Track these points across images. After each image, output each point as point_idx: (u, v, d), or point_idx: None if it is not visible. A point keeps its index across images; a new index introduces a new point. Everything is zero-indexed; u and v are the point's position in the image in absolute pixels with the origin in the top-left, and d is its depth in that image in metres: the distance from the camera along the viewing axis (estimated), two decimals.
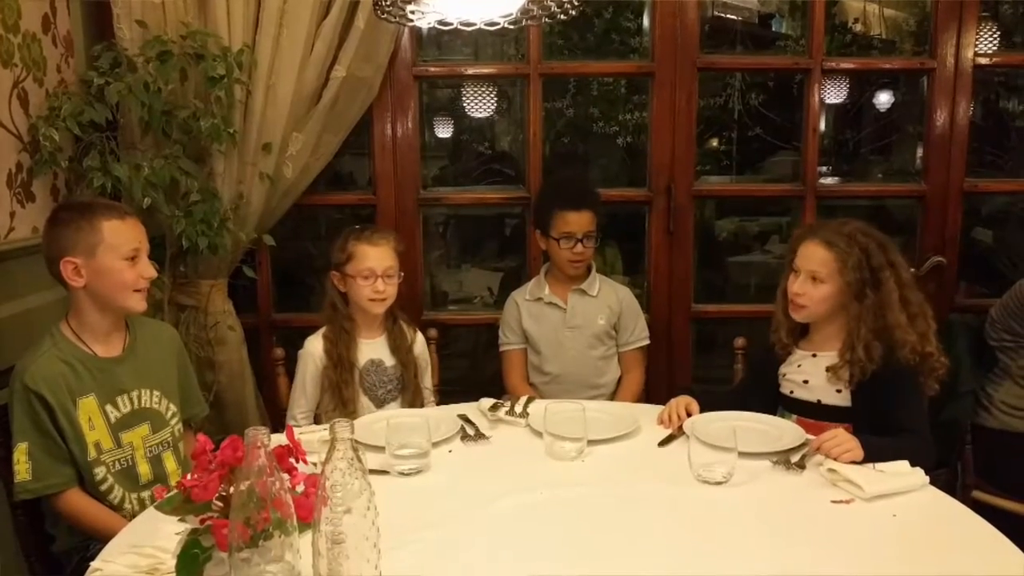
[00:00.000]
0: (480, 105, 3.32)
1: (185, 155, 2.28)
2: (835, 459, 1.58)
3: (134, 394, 1.78)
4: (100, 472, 1.70)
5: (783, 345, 2.02)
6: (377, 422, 1.78)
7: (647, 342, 2.51)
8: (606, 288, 2.48)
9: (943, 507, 1.47)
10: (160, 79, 2.21)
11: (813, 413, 1.92)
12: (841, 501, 1.46)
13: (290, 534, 0.99)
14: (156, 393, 1.82)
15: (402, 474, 1.59)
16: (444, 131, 3.65)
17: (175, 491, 1.08)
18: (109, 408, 1.73)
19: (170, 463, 1.82)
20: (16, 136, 2.09)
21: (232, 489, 1.03)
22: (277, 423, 2.34)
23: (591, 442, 1.70)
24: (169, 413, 1.85)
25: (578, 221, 2.36)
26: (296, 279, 3.16)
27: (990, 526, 1.37)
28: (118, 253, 1.70)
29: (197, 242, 2.24)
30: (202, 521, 1.05)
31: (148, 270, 1.75)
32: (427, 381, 2.32)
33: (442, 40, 3.09)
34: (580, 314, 2.44)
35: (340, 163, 2.71)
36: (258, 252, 2.63)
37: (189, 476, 1.07)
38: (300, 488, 1.07)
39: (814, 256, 1.91)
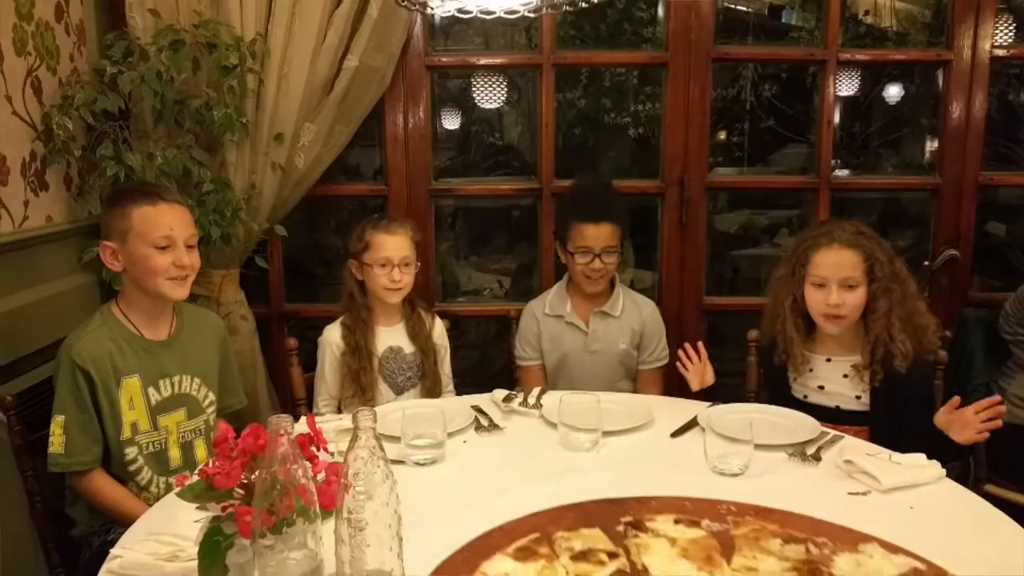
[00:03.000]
0: (491, 96, 3.30)
1: (197, 145, 2.29)
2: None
3: (176, 379, 1.79)
4: (132, 452, 1.72)
5: (802, 360, 1.95)
6: (393, 412, 1.78)
7: (666, 361, 2.39)
8: (630, 306, 2.36)
9: (960, 499, 1.46)
10: (173, 68, 2.21)
11: (831, 418, 1.88)
12: (858, 493, 1.46)
13: (313, 521, 0.99)
14: (197, 380, 1.83)
15: (417, 464, 1.59)
16: (453, 122, 3.64)
17: (197, 478, 1.08)
18: (151, 390, 1.75)
19: (200, 451, 1.83)
20: (30, 125, 2.09)
21: (254, 477, 1.03)
22: (289, 413, 2.34)
23: (605, 433, 1.70)
24: (206, 401, 1.86)
25: (596, 235, 2.23)
26: (307, 269, 3.16)
27: (1007, 518, 1.36)
28: (147, 240, 1.70)
29: (210, 232, 2.24)
30: (223, 508, 1.05)
31: (182, 258, 1.73)
32: (446, 368, 2.31)
33: (452, 30, 3.08)
34: (601, 338, 2.34)
35: (347, 155, 2.70)
36: (270, 242, 2.63)
37: (211, 463, 1.07)
38: (321, 476, 1.07)
39: (845, 262, 1.84)
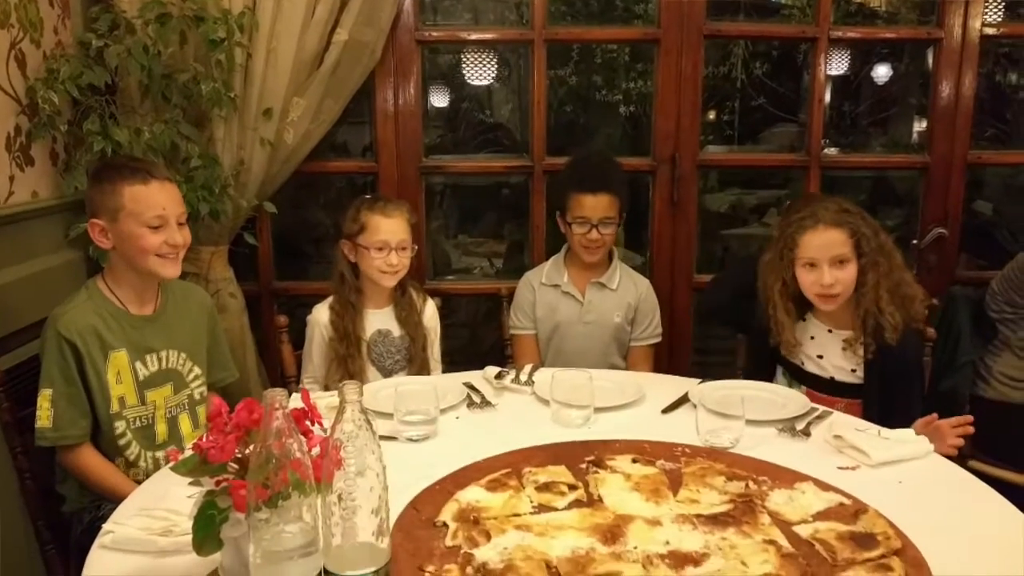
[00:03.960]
0: (481, 73, 3.27)
1: (185, 120, 2.26)
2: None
3: (162, 354, 1.79)
4: (120, 426, 1.72)
5: (795, 343, 1.96)
6: (384, 389, 1.79)
7: (659, 340, 2.42)
8: (626, 280, 2.39)
9: (948, 474, 1.48)
10: (160, 42, 2.17)
11: (825, 388, 1.91)
12: (847, 468, 1.48)
13: (308, 495, 0.99)
14: (182, 355, 1.83)
15: (410, 440, 1.60)
16: (443, 99, 3.61)
17: (191, 452, 1.07)
18: (138, 365, 1.74)
19: (185, 425, 1.83)
20: (14, 98, 2.05)
21: (248, 451, 1.03)
22: None
23: (597, 409, 1.70)
24: (191, 376, 1.85)
25: (594, 205, 2.26)
26: (297, 247, 3.13)
27: (994, 492, 1.39)
28: (139, 220, 1.68)
29: (198, 208, 2.22)
30: (217, 483, 1.05)
31: (174, 237, 1.72)
32: (436, 351, 2.28)
33: (441, 6, 3.04)
34: (596, 309, 2.35)
35: (336, 132, 2.68)
36: (259, 219, 2.61)
37: (204, 438, 1.06)
38: (316, 451, 1.07)
39: (833, 241, 1.86)
